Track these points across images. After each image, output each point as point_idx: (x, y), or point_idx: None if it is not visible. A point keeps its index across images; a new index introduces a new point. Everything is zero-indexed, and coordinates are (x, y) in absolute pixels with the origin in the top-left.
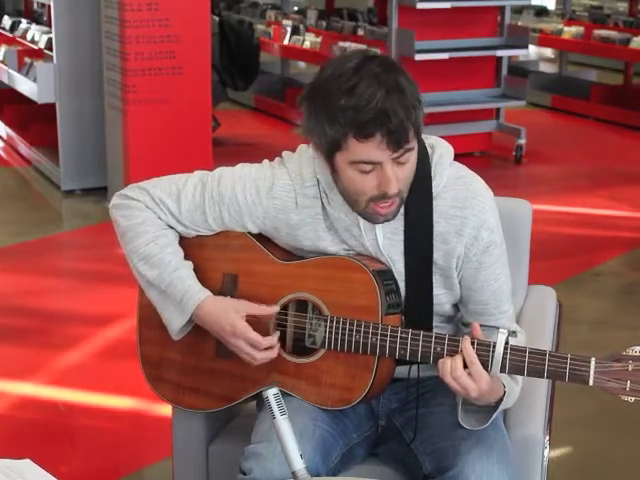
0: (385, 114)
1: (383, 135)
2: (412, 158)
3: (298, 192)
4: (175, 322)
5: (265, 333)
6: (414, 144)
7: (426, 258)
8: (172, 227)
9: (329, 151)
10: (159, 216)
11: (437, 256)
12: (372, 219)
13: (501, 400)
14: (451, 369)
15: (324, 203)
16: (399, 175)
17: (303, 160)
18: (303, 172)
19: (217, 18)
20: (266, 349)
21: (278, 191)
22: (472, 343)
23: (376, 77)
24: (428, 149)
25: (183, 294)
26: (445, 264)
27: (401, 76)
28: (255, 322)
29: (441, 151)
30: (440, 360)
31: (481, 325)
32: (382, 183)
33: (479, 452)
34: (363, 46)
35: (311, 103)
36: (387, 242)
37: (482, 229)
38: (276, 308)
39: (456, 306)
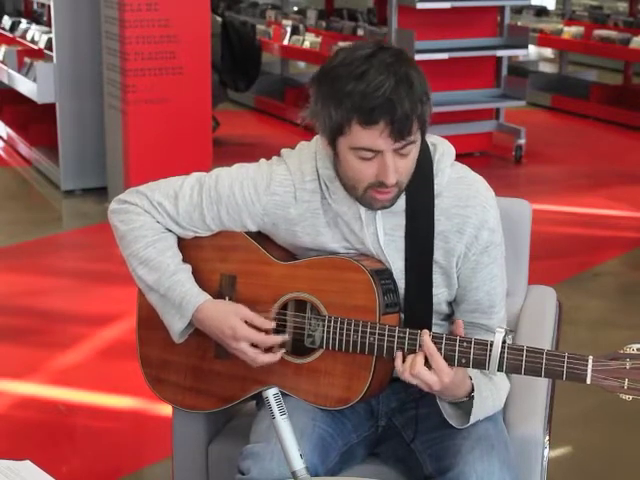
0: (391, 103)
1: (387, 124)
2: (414, 151)
3: (297, 186)
4: (175, 326)
5: None
6: (417, 138)
7: (426, 256)
8: (170, 230)
9: (332, 135)
10: (157, 220)
11: (437, 254)
12: (369, 205)
13: (472, 396)
14: (410, 366)
15: (325, 197)
16: (399, 166)
17: (303, 155)
18: (303, 167)
19: (220, 19)
20: (268, 351)
21: (276, 187)
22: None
23: (387, 66)
24: (430, 147)
25: (182, 298)
26: (445, 263)
27: (412, 69)
28: (254, 326)
29: (443, 149)
30: (397, 358)
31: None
32: (381, 172)
33: (480, 452)
34: None
35: (320, 86)
36: (387, 238)
37: (483, 229)
38: (273, 324)
39: (451, 304)
